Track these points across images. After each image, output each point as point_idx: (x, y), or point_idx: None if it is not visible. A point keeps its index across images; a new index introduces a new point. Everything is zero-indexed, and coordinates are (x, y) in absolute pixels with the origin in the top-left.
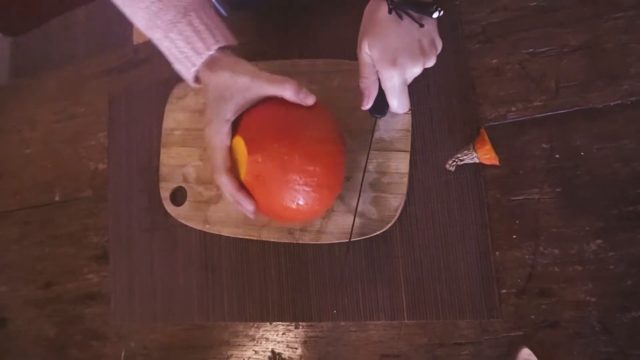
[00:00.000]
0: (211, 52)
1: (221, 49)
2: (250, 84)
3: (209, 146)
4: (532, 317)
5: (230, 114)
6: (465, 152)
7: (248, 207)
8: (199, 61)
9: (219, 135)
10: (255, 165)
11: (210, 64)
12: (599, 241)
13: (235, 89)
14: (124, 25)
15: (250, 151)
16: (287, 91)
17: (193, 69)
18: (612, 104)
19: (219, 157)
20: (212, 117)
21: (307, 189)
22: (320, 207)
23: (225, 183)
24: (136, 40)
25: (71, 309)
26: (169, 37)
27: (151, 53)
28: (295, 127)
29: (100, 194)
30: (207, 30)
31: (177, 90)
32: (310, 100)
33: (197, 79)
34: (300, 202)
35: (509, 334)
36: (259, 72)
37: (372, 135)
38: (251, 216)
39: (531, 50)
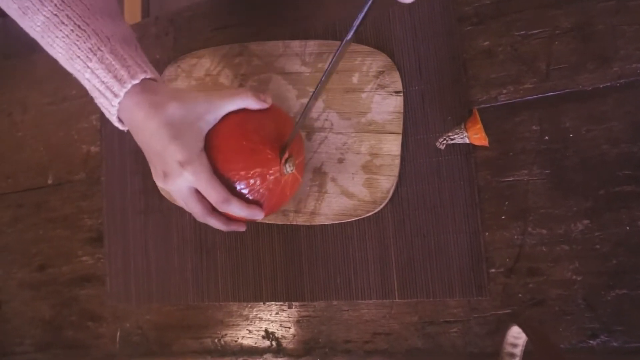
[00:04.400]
0: (136, 82)
1: (149, 81)
2: (208, 107)
3: (202, 183)
4: (520, 295)
5: (201, 142)
6: (456, 131)
7: (259, 214)
8: (121, 91)
9: (204, 165)
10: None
11: (146, 98)
12: (586, 221)
13: (193, 116)
14: None
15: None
16: (250, 99)
17: (115, 101)
18: (601, 86)
19: (219, 187)
20: (187, 157)
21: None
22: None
23: (239, 205)
24: (127, 21)
25: (66, 290)
26: (89, 68)
27: (142, 34)
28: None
29: (94, 176)
30: (132, 59)
31: (168, 72)
32: (269, 100)
33: (120, 121)
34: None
35: (497, 312)
36: (209, 92)
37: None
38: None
39: (523, 32)
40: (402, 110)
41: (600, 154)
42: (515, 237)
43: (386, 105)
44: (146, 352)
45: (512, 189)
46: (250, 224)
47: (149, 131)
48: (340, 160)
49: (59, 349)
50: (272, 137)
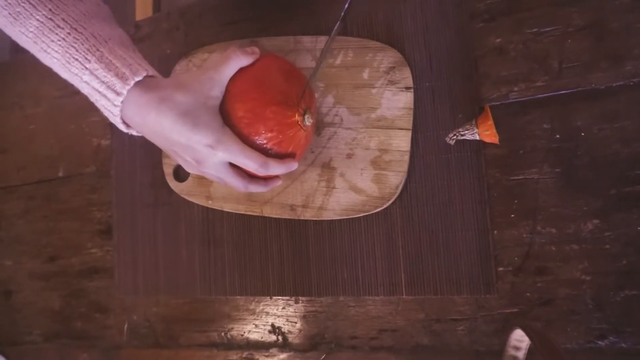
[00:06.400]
0: (138, 78)
1: (150, 79)
2: (211, 82)
3: (237, 157)
4: (528, 294)
5: (219, 118)
6: (467, 126)
7: (294, 164)
8: (124, 89)
9: (233, 139)
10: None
11: (152, 97)
12: (596, 221)
13: (202, 97)
14: (125, 0)
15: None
16: (241, 57)
17: (118, 100)
18: (614, 85)
19: (254, 154)
20: (215, 139)
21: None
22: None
23: (276, 164)
24: (138, 16)
25: (75, 282)
26: (88, 69)
27: (153, 29)
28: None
29: (104, 169)
30: (132, 59)
31: (180, 67)
32: (257, 50)
33: (124, 123)
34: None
35: (504, 311)
36: (204, 68)
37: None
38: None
39: (535, 29)
40: (412, 107)
41: (611, 153)
42: (525, 235)
43: (396, 101)
44: (153, 344)
45: (522, 187)
46: (257, 218)
47: (167, 129)
48: (349, 156)
49: (68, 340)
50: (281, 89)
